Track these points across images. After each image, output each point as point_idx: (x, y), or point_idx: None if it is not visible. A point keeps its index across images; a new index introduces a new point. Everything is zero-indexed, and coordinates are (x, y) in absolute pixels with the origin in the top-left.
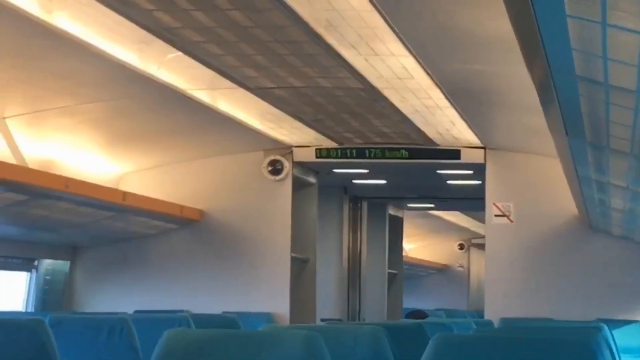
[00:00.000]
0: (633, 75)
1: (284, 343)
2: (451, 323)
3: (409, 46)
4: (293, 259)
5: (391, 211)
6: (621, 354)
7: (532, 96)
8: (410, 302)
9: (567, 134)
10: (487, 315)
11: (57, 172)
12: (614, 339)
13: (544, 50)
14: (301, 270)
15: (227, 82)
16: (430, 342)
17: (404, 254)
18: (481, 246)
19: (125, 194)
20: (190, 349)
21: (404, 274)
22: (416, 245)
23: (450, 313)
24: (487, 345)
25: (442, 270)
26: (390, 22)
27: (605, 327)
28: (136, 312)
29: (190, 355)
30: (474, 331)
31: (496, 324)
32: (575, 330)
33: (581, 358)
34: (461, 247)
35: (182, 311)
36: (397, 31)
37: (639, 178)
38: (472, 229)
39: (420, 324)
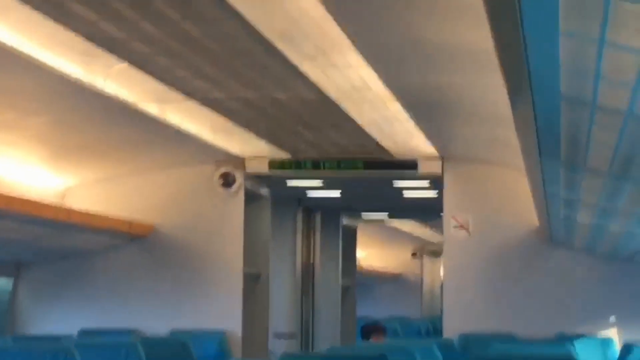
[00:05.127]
0: (626, 96)
1: None
2: (414, 348)
3: (367, 57)
4: (245, 274)
5: (345, 221)
6: None
7: (492, 107)
8: (364, 310)
9: (540, 154)
10: (446, 331)
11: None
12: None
13: (528, 71)
14: (253, 285)
15: (177, 94)
16: None
17: (356, 262)
18: (434, 253)
19: (70, 211)
20: None
21: (357, 282)
22: (368, 252)
23: (404, 321)
24: None
25: (395, 278)
26: (348, 33)
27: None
28: (82, 331)
29: None
30: None
31: (455, 341)
32: None
33: None
34: (414, 255)
35: (131, 330)
36: (355, 42)
37: (613, 197)
38: (425, 237)
39: (384, 355)
